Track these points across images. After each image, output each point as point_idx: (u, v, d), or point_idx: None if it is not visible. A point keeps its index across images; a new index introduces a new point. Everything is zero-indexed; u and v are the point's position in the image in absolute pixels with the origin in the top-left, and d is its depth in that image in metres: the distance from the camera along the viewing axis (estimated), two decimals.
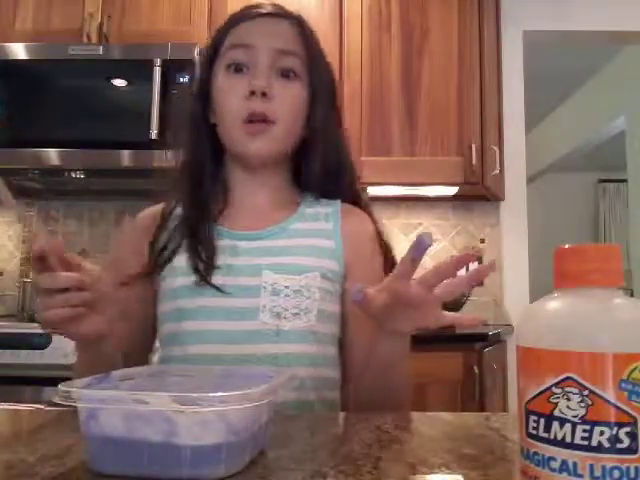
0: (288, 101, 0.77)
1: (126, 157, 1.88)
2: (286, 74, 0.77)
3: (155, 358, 0.82)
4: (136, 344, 0.80)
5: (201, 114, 0.81)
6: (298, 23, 0.80)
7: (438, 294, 0.60)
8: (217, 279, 0.75)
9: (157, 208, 0.86)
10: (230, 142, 0.79)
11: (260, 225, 0.80)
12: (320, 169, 0.81)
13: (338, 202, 0.85)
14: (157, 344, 0.83)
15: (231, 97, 0.76)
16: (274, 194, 0.83)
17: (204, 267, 0.75)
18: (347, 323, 0.79)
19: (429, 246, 0.54)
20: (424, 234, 0.54)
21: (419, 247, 0.55)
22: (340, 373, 0.80)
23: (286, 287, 0.74)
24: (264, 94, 0.74)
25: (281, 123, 0.76)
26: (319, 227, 0.81)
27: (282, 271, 0.75)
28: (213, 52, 0.80)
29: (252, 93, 0.74)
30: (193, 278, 0.74)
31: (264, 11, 0.79)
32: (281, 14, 0.80)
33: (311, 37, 0.81)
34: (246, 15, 0.79)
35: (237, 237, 0.79)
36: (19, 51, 1.94)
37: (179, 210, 0.82)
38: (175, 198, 0.84)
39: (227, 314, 0.73)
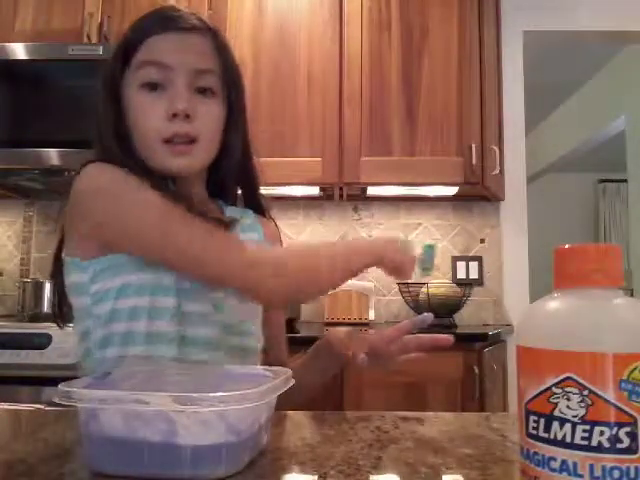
0: (209, 119, 0.77)
1: None
2: (203, 91, 0.77)
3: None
4: None
5: (114, 122, 0.81)
6: (213, 35, 0.79)
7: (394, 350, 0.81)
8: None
9: None
10: (149, 158, 0.77)
11: None
12: (233, 178, 0.85)
13: (250, 212, 0.90)
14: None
15: (150, 117, 0.75)
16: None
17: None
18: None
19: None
20: (427, 315, 0.78)
21: (420, 324, 0.75)
22: None
23: None
24: (187, 115, 0.74)
25: (203, 141, 0.77)
26: (245, 237, 0.83)
27: None
28: (122, 60, 0.78)
29: (174, 115, 0.74)
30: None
31: (180, 25, 0.76)
32: (197, 27, 0.77)
33: (226, 49, 0.80)
34: (160, 27, 0.76)
35: None
36: (19, 51, 1.94)
37: None
38: None
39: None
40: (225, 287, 0.73)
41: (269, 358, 0.89)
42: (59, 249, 0.79)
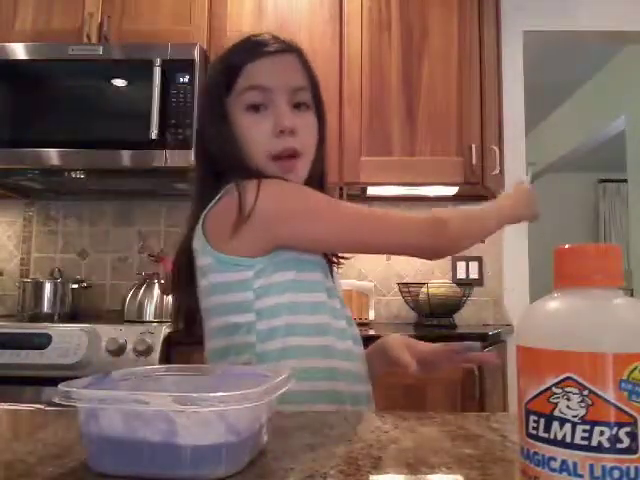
0: (308, 132, 0.85)
1: (126, 157, 1.88)
2: (298, 106, 0.85)
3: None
4: None
5: (234, 148, 0.84)
6: (298, 54, 0.87)
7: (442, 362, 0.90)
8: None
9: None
10: (264, 172, 0.83)
11: None
12: (316, 185, 0.90)
13: None
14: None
15: (259, 135, 0.82)
16: None
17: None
18: None
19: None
20: (475, 344, 0.90)
21: (468, 349, 0.86)
22: None
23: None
24: (292, 131, 0.82)
25: (306, 154, 0.85)
26: None
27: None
28: (225, 87, 0.84)
29: (281, 132, 0.81)
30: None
31: (273, 49, 0.84)
32: (286, 49, 0.85)
33: (310, 66, 0.88)
34: (257, 52, 0.83)
35: None
36: (19, 51, 1.94)
37: None
38: None
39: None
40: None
41: None
42: (189, 257, 0.83)
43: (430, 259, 0.88)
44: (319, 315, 0.81)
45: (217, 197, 0.82)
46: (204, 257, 0.80)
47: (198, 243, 0.81)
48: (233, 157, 0.84)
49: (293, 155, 0.83)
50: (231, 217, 0.77)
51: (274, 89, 0.82)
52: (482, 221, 0.92)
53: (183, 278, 0.85)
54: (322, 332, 0.81)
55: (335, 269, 0.92)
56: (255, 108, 0.83)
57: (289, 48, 0.86)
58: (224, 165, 0.85)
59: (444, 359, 0.89)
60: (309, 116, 0.86)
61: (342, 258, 0.93)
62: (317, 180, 0.90)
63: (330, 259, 0.89)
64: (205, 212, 0.82)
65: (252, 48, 0.84)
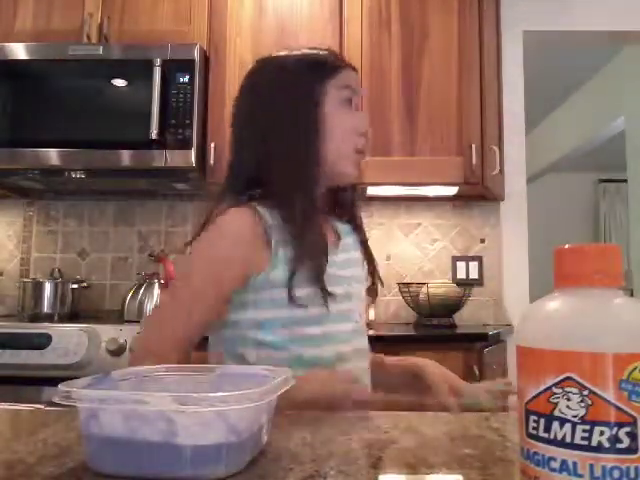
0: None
1: (126, 157, 1.88)
2: None
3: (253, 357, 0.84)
4: None
5: (318, 135, 0.88)
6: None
7: None
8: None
9: (248, 219, 0.83)
10: (336, 164, 0.89)
11: (332, 240, 0.91)
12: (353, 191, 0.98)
13: (347, 227, 0.98)
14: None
15: (351, 129, 0.90)
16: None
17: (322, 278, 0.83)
18: None
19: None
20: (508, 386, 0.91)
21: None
22: None
23: (361, 293, 0.93)
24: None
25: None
26: (352, 240, 0.96)
27: (354, 280, 0.91)
28: (321, 77, 0.89)
29: (364, 133, 0.91)
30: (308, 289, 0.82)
31: (352, 65, 0.96)
32: (355, 68, 0.96)
33: None
34: (346, 64, 0.94)
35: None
36: (19, 51, 1.94)
37: (271, 220, 0.84)
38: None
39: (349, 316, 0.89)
40: None
41: None
42: None
43: None
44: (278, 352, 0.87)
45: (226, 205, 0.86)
46: None
47: None
48: (307, 143, 0.86)
49: (363, 154, 0.92)
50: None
51: (358, 94, 0.94)
52: None
53: None
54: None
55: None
56: (349, 103, 0.91)
57: (355, 67, 0.97)
58: (283, 153, 0.86)
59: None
60: None
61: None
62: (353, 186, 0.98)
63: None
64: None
65: (342, 59, 0.96)
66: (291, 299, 0.80)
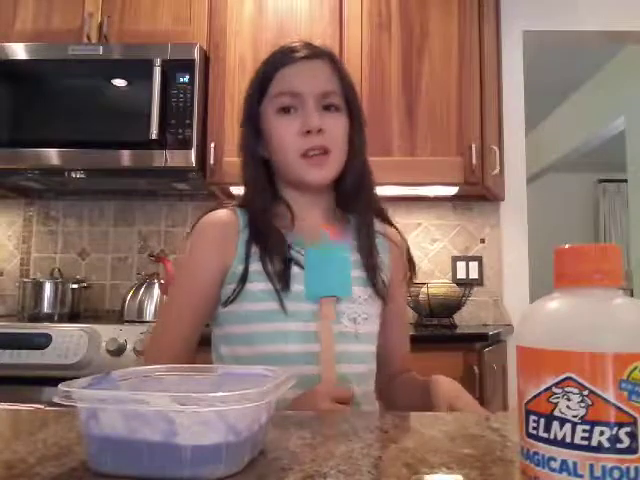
0: (337, 131, 0.89)
1: (126, 157, 1.88)
2: (328, 107, 0.89)
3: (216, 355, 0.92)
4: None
5: (254, 148, 0.92)
6: (330, 60, 0.92)
7: None
8: (294, 287, 0.85)
9: (225, 217, 0.91)
10: (289, 173, 0.90)
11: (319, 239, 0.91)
12: (356, 188, 0.94)
13: (377, 226, 0.97)
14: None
15: (288, 136, 0.87)
16: (326, 213, 0.95)
17: (285, 275, 0.85)
18: (386, 326, 0.97)
19: None
20: None
21: None
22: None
23: (359, 296, 0.89)
24: (319, 130, 0.87)
25: (335, 152, 0.89)
26: (355, 242, 0.93)
27: (356, 283, 0.89)
28: (259, 92, 0.91)
29: (308, 132, 0.86)
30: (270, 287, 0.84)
31: (303, 55, 0.90)
32: (317, 54, 0.91)
33: (343, 70, 0.93)
34: (287, 59, 0.90)
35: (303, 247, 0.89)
36: (19, 51, 1.94)
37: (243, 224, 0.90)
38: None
39: (312, 317, 0.85)
40: None
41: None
42: None
43: None
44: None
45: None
46: None
47: None
48: (255, 162, 0.92)
49: (323, 152, 0.87)
50: None
51: (303, 93, 0.87)
52: None
53: None
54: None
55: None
56: (286, 110, 0.88)
57: (319, 54, 0.91)
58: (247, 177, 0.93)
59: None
60: (339, 117, 0.90)
61: None
62: (355, 181, 0.93)
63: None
64: None
65: (283, 56, 0.91)
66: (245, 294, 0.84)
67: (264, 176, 0.92)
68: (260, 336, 0.84)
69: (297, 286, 0.84)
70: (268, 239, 0.87)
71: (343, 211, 0.96)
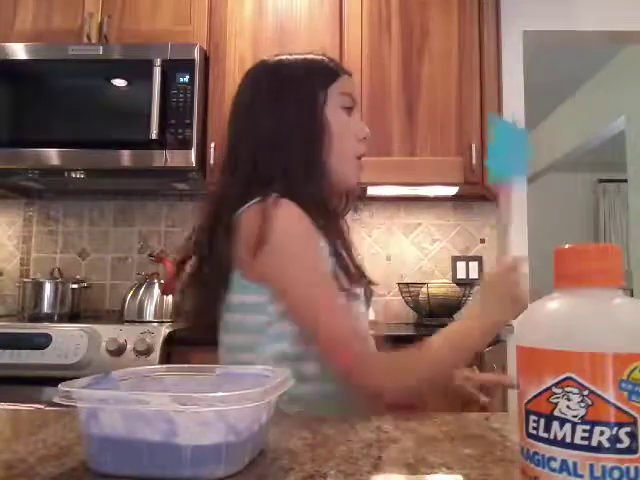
0: None
1: (126, 157, 1.88)
2: None
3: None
4: None
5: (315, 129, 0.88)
6: None
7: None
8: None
9: (297, 209, 0.82)
10: (343, 172, 0.91)
11: None
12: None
13: None
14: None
15: (351, 137, 0.92)
16: None
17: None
18: None
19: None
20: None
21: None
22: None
23: None
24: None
25: None
26: None
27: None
28: (329, 78, 0.91)
29: (364, 138, 0.94)
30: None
31: (349, 72, 0.97)
32: (351, 74, 0.98)
33: None
34: (345, 71, 0.95)
35: None
36: (19, 51, 1.94)
37: None
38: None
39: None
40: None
41: None
42: (228, 266, 0.82)
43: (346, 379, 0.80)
44: None
45: (245, 206, 0.81)
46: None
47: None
48: (310, 147, 0.86)
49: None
50: (252, 236, 0.77)
51: (356, 101, 0.95)
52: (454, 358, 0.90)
53: (199, 277, 0.85)
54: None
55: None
56: (348, 111, 0.92)
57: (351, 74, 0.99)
58: (287, 156, 0.85)
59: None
60: None
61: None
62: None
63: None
64: (236, 216, 0.81)
65: (338, 66, 0.96)
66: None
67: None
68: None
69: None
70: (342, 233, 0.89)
71: None
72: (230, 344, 0.85)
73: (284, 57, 0.93)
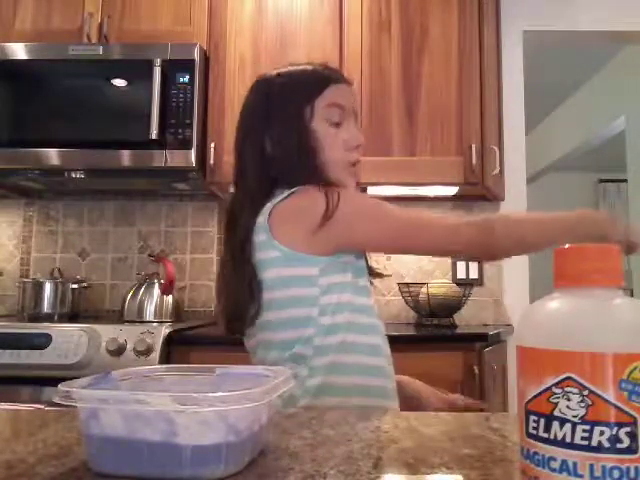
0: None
1: (126, 157, 1.88)
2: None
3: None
4: None
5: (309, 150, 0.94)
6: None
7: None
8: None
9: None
10: (338, 180, 0.94)
11: None
12: None
13: None
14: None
15: (340, 147, 0.94)
16: None
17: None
18: None
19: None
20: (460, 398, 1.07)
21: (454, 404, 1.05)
22: None
23: None
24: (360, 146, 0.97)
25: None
26: None
27: None
28: (316, 91, 0.94)
29: (358, 146, 0.96)
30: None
31: (345, 79, 0.99)
32: (349, 81, 1.00)
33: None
34: (339, 78, 0.98)
35: None
36: (19, 51, 1.94)
37: None
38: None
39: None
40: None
41: None
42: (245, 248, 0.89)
43: (483, 259, 0.98)
44: (372, 318, 0.92)
45: (284, 195, 0.88)
46: (268, 251, 0.86)
47: (261, 237, 0.87)
48: (305, 160, 0.92)
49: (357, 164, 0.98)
50: (307, 216, 0.85)
51: (348, 110, 0.96)
52: (541, 225, 0.93)
53: (237, 273, 0.89)
54: (374, 332, 0.91)
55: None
56: (336, 124, 0.95)
57: (351, 82, 1.02)
58: (288, 168, 0.92)
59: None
60: None
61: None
62: None
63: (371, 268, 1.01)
64: (270, 209, 0.87)
65: (334, 74, 0.98)
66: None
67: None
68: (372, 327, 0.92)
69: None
70: None
71: None
72: (279, 319, 0.87)
73: (281, 71, 0.98)
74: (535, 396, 0.32)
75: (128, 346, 1.62)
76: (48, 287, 2.07)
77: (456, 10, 2.02)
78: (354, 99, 1.00)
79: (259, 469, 0.44)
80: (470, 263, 2.24)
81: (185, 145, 1.86)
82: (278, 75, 0.97)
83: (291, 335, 0.85)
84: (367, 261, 0.99)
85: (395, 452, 0.49)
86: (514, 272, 2.25)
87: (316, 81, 0.96)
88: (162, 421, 0.41)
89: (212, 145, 1.94)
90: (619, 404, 0.30)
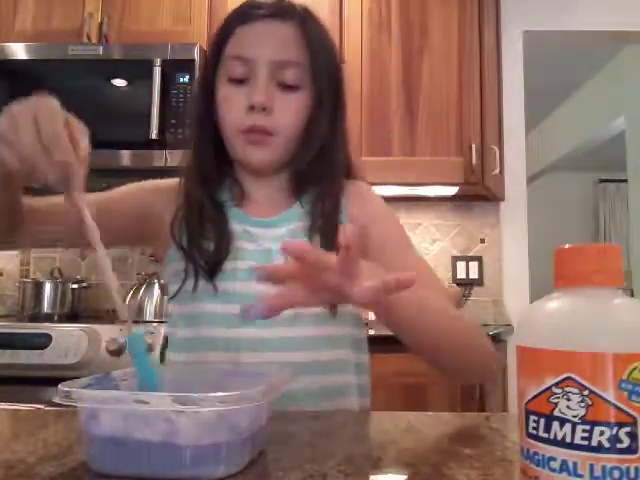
0: (289, 114, 0.76)
1: (126, 157, 1.88)
2: (287, 85, 0.76)
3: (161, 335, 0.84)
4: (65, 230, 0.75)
5: (206, 115, 0.79)
6: (300, 22, 0.76)
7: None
8: (230, 264, 0.75)
9: (174, 184, 0.83)
10: (231, 149, 0.79)
11: (267, 214, 0.81)
12: (314, 175, 0.80)
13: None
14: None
15: (232, 109, 0.75)
16: (276, 193, 0.84)
17: (218, 251, 0.75)
18: None
19: None
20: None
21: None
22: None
23: None
24: (264, 108, 0.74)
25: (281, 135, 0.76)
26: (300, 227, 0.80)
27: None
28: (214, 56, 0.78)
29: (252, 108, 0.74)
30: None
31: (265, 12, 0.75)
32: (284, 13, 0.76)
33: (314, 37, 0.77)
34: (247, 16, 0.75)
35: (249, 222, 0.80)
36: (19, 51, 1.94)
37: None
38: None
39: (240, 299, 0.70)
40: None
41: None
42: None
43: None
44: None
45: None
46: None
47: None
48: (204, 131, 0.79)
49: (265, 134, 0.75)
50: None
51: (256, 60, 0.74)
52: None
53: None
54: None
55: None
56: (237, 81, 0.75)
57: (287, 13, 0.76)
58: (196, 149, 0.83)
59: None
60: (296, 98, 0.76)
61: None
62: (312, 169, 0.80)
63: None
64: None
65: (244, 11, 0.76)
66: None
67: (211, 144, 0.80)
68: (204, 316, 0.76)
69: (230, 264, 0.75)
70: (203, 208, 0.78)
71: (296, 195, 0.82)
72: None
73: None
74: (535, 396, 0.32)
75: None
76: (48, 287, 2.07)
77: (456, 10, 2.02)
78: (282, 40, 0.75)
79: (259, 469, 0.44)
80: (470, 263, 2.24)
81: (185, 145, 1.86)
82: None
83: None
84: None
85: (395, 452, 0.49)
86: (514, 272, 2.25)
87: (220, 30, 0.77)
88: (162, 421, 0.41)
89: None
90: (619, 404, 0.30)
